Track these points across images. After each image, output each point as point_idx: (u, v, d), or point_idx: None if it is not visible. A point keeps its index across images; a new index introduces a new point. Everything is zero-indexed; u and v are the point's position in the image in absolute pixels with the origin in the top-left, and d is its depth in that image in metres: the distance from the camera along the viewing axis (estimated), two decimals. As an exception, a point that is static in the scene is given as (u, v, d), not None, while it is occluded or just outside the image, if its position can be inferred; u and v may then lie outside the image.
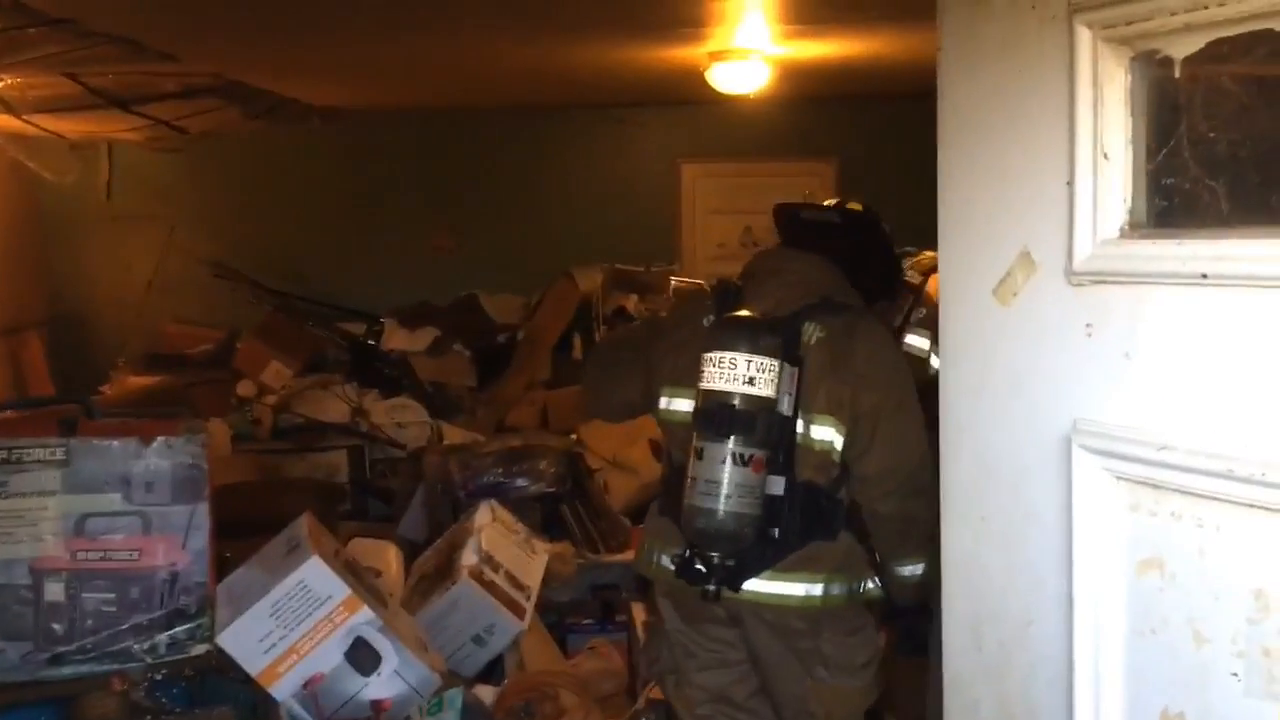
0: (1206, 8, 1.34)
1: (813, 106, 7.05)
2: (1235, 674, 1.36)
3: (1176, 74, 1.43)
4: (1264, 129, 1.38)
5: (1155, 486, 1.45)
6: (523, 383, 6.39)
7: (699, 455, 2.35)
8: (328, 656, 2.20)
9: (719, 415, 2.33)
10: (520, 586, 3.59)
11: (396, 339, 6.73)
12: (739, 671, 2.64)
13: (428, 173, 7.32)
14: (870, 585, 2.57)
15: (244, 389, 6.47)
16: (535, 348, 6.52)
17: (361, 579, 2.36)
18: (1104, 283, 1.51)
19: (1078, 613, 1.56)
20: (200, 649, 2.27)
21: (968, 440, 1.79)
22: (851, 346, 2.47)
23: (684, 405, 2.54)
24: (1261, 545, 1.31)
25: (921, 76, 6.18)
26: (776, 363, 2.34)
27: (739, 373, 2.31)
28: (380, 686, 2.24)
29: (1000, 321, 1.70)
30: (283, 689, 2.20)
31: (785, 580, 2.47)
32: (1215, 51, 1.37)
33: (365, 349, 6.78)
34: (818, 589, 2.48)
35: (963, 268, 1.79)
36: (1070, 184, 1.55)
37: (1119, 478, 1.50)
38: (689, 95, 6.12)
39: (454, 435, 5.91)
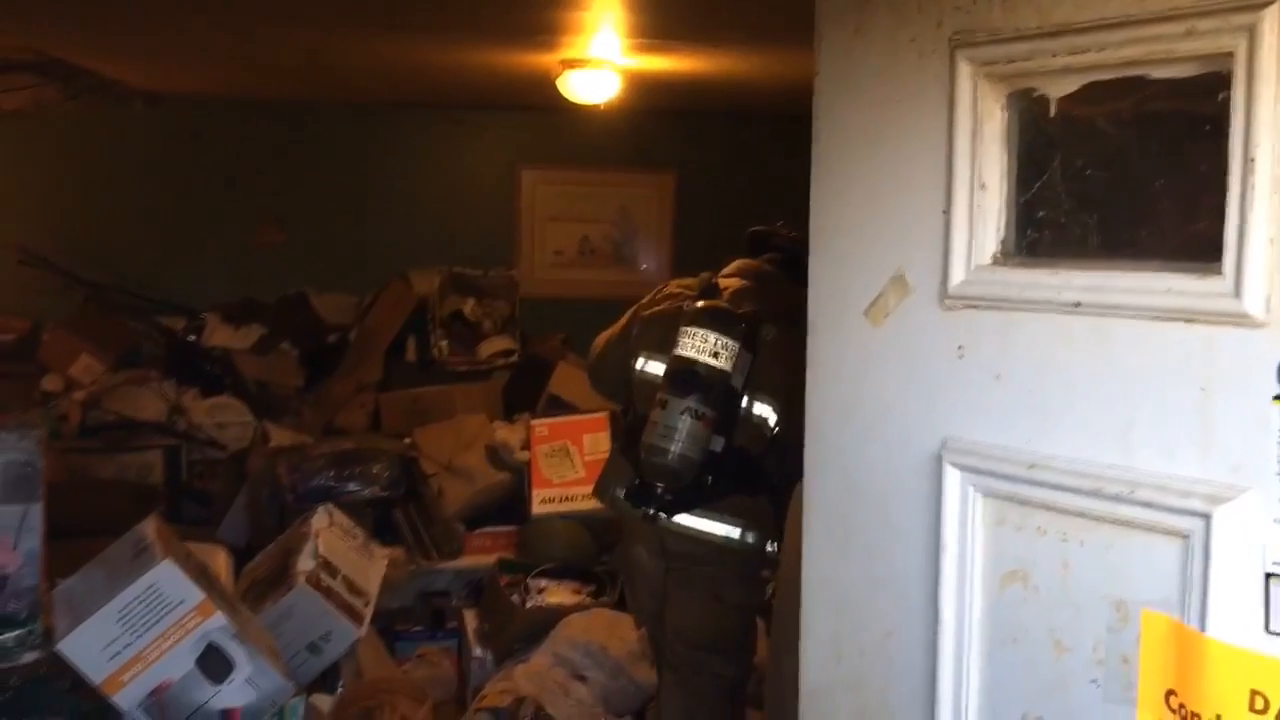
0: (1086, 52, 1.42)
1: (654, 118, 7.11)
2: (1095, 681, 1.44)
3: (1052, 112, 1.51)
4: (1133, 169, 1.47)
5: (1022, 503, 1.52)
6: (353, 384, 6.25)
7: (663, 405, 2.88)
8: (177, 663, 2.10)
9: (686, 376, 2.87)
10: (358, 592, 3.49)
11: (219, 335, 6.48)
12: (659, 599, 3.29)
13: (257, 165, 7.06)
14: (772, 548, 3.06)
15: (50, 383, 6.13)
16: (367, 349, 6.39)
17: (213, 584, 2.27)
18: (977, 307, 1.59)
19: (942, 624, 1.62)
20: (30, 657, 2.13)
21: (834, 458, 1.84)
22: (795, 350, 2.87)
23: (656, 368, 3.08)
24: (1124, 558, 1.40)
25: (766, 95, 6.32)
26: (737, 345, 2.88)
27: (708, 346, 2.86)
28: (231, 695, 2.15)
29: (871, 342, 1.75)
30: (127, 697, 2.08)
31: (710, 520, 3.05)
32: (1090, 93, 1.46)
33: (185, 345, 6.51)
34: (735, 532, 3.06)
35: (834, 289, 1.84)
36: (947, 212, 1.61)
37: (987, 494, 1.57)
38: (531, 100, 6.10)
39: (280, 436, 5.73)
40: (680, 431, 2.84)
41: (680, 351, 2.91)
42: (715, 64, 5.19)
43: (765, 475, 3.05)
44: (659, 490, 3.00)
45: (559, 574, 4.51)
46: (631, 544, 3.37)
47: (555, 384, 5.85)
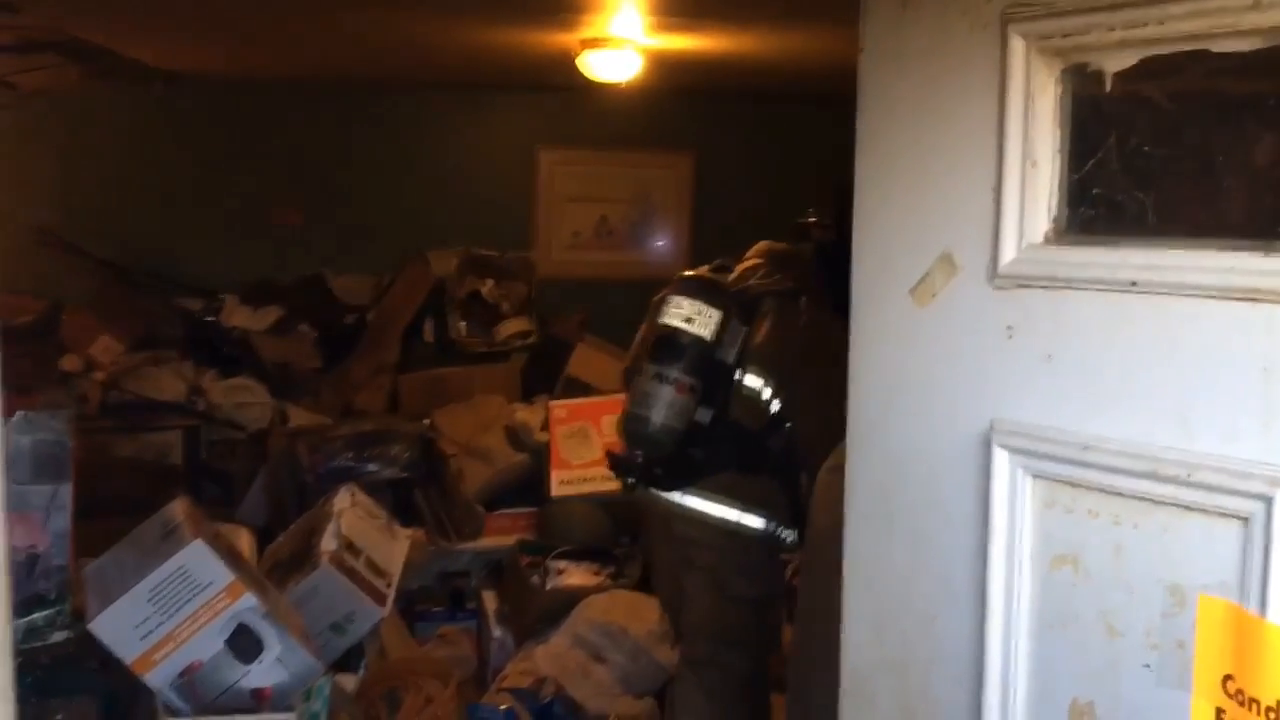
0: (1145, 25, 1.39)
1: (673, 99, 7.06)
2: (1148, 665, 1.42)
3: (1107, 87, 1.48)
4: (1192, 145, 1.44)
5: (1073, 485, 1.50)
6: (371, 365, 6.24)
7: (640, 371, 2.89)
8: (208, 643, 2.10)
9: (659, 342, 2.89)
10: (381, 573, 3.49)
11: (238, 316, 6.48)
12: (677, 586, 3.20)
13: (274, 145, 7.03)
14: (786, 535, 3.00)
15: (69, 363, 6.14)
16: (385, 330, 6.38)
17: (242, 564, 2.26)
18: (1027, 287, 1.56)
19: (990, 606, 1.60)
20: (60, 636, 2.14)
21: (878, 439, 1.81)
22: (796, 325, 2.96)
23: None
24: (1181, 542, 1.37)
25: (787, 76, 6.24)
26: (717, 313, 2.86)
27: (682, 312, 2.86)
28: (261, 674, 2.15)
29: (917, 322, 1.73)
30: (158, 677, 2.08)
31: (706, 499, 2.99)
32: (1148, 68, 1.43)
33: (203, 325, 6.51)
34: (733, 514, 2.98)
35: (878, 268, 1.81)
36: (997, 189, 1.58)
37: (1036, 476, 1.55)
38: (550, 81, 6.07)
39: (299, 417, 5.74)
40: (657, 398, 2.82)
41: (660, 319, 2.92)
42: (739, 44, 5.14)
43: (767, 453, 3.00)
44: (639, 459, 2.97)
45: (578, 555, 4.51)
46: (651, 530, 3.37)
47: (574, 366, 5.84)
